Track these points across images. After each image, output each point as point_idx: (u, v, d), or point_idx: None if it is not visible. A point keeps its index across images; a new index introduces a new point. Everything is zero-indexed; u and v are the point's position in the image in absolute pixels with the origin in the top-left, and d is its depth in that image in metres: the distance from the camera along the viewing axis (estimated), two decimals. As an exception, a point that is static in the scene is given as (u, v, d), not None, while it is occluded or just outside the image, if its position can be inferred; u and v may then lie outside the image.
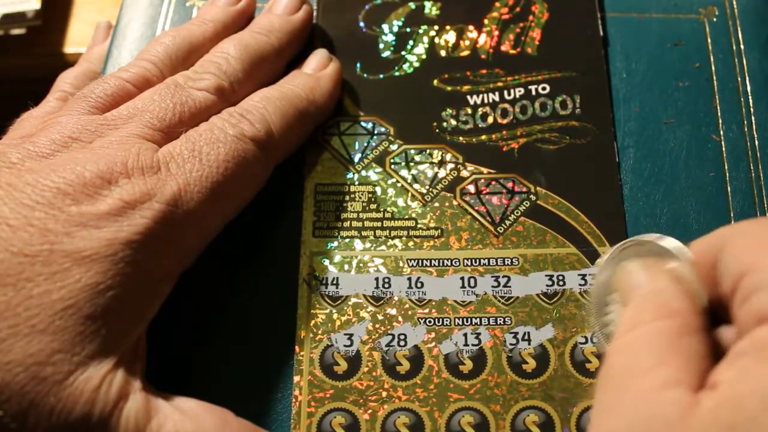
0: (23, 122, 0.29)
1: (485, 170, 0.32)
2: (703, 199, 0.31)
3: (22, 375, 0.22)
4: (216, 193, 0.26)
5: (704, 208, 0.31)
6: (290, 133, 0.30)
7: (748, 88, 0.33)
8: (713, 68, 0.34)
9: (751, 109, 0.33)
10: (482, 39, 0.34)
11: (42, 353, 0.22)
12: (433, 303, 0.30)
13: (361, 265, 0.30)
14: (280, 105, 0.29)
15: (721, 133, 0.32)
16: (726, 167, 0.32)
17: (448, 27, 0.35)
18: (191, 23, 0.32)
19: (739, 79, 0.33)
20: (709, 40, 0.34)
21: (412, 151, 0.32)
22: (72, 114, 0.27)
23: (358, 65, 0.34)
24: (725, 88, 0.33)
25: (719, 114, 0.33)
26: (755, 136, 0.32)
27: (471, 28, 0.35)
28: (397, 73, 0.34)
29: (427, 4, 0.35)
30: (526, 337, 0.29)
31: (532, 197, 0.31)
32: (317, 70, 0.32)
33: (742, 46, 0.34)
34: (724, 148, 0.32)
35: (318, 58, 0.33)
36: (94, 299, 0.23)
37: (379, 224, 0.31)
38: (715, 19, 0.35)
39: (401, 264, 0.30)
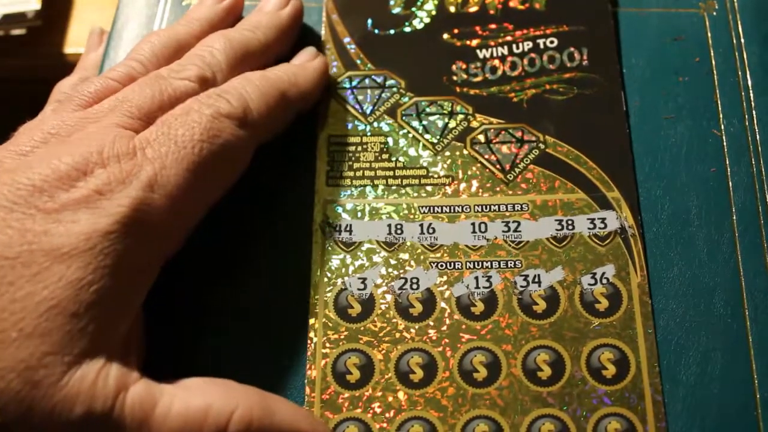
0: (19, 135, 0.29)
1: (495, 121, 0.32)
2: (704, 194, 0.31)
3: (16, 381, 0.22)
4: (194, 175, 0.26)
5: (705, 204, 0.31)
6: (270, 112, 0.29)
7: (749, 82, 0.33)
8: (713, 63, 0.33)
9: (752, 104, 0.33)
10: (491, -5, 0.35)
11: (32, 357, 0.22)
12: (445, 248, 0.30)
13: (373, 212, 0.31)
14: (259, 84, 0.29)
15: (722, 127, 0.32)
16: (727, 162, 0.32)
17: (457, -16, 0.35)
18: (178, 23, 0.32)
19: (739, 73, 0.33)
20: (709, 35, 0.34)
21: (423, 103, 0.33)
22: (57, 114, 0.27)
23: (370, 22, 0.35)
24: (726, 82, 0.33)
25: (720, 109, 0.33)
26: (756, 130, 0.32)
27: (480, -15, 0.35)
28: (407, 29, 0.35)
29: (437, -37, 0.36)
30: (536, 280, 0.30)
31: (541, 146, 0.32)
32: (304, 63, 0.33)
33: (742, 40, 0.34)
34: (725, 143, 0.32)
35: (305, 53, 0.33)
36: (78, 296, 0.23)
37: (391, 173, 0.32)
38: (715, 14, 0.35)
39: (413, 211, 0.31)
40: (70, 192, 0.24)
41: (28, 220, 0.23)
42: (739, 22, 0.34)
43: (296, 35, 0.34)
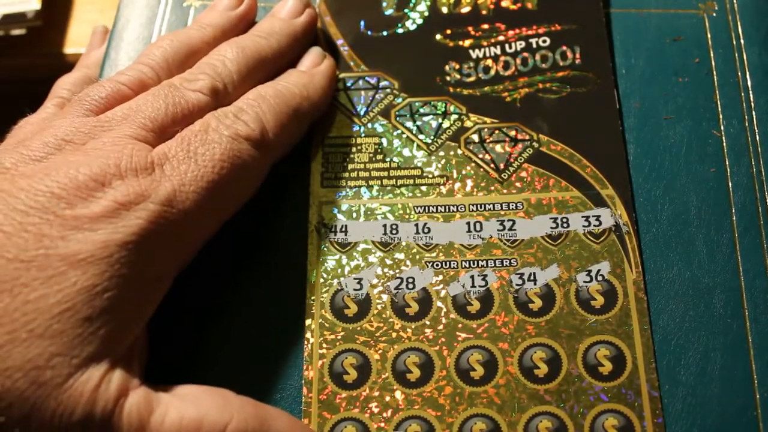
0: (20, 129, 0.29)
1: (488, 120, 0.33)
2: (703, 194, 0.31)
3: (22, 380, 0.22)
4: (212, 193, 0.26)
5: (705, 204, 0.31)
6: (284, 130, 0.30)
7: (749, 82, 0.33)
8: (713, 63, 0.34)
9: (752, 104, 0.33)
10: (483, -5, 0.35)
11: (41, 358, 0.22)
12: (440, 247, 0.30)
13: (368, 212, 0.31)
14: (274, 103, 0.29)
15: (722, 128, 0.32)
16: (727, 162, 0.32)
17: (449, -15, 0.36)
18: (190, 28, 0.32)
19: (739, 74, 0.33)
20: (708, 35, 0.34)
21: (417, 104, 0.33)
22: (67, 117, 0.28)
23: (362, 23, 0.35)
24: (725, 83, 0.33)
25: (719, 109, 0.33)
26: (756, 131, 0.32)
27: (472, -15, 0.35)
28: (400, 30, 0.35)
29: (429, -36, 0.36)
30: (531, 278, 0.30)
31: (535, 144, 0.32)
32: (311, 68, 0.33)
33: (742, 41, 0.34)
34: (724, 144, 0.32)
35: (312, 56, 0.33)
36: (91, 301, 0.23)
37: (385, 174, 0.32)
38: (714, 14, 0.35)
39: (408, 211, 0.31)
40: (89, 201, 0.24)
41: (45, 225, 0.23)
42: (738, 23, 0.34)
43: (309, 43, 0.34)
